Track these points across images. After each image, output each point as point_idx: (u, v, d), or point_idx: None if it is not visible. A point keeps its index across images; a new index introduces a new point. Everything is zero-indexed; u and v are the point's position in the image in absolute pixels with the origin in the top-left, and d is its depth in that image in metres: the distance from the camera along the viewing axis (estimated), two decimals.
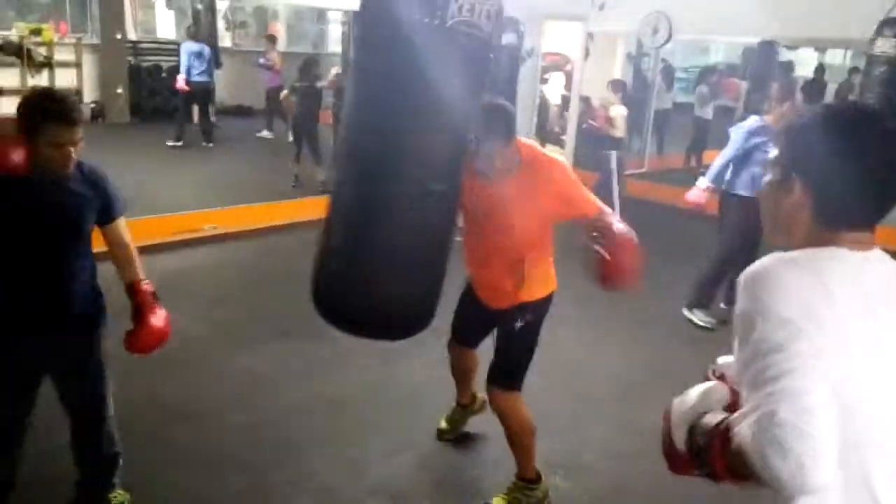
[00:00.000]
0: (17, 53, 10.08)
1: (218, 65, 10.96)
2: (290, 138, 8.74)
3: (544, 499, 2.85)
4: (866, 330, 1.03)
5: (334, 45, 14.63)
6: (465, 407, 3.36)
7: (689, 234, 6.81)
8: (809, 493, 0.98)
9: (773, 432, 0.95)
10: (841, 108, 1.16)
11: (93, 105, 10.93)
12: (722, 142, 4.84)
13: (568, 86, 9.17)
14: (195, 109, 10.11)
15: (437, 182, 1.64)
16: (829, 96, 13.23)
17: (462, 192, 2.03)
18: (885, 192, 1.08)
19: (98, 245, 2.35)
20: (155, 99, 11.60)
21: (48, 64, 10.46)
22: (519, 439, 2.78)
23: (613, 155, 6.91)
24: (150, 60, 11.85)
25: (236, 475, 2.98)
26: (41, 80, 10.26)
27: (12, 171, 2.00)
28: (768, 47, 10.00)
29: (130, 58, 11.40)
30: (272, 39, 11.30)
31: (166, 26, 13.44)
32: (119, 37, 11.03)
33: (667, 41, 8.04)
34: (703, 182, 4.64)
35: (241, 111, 12.40)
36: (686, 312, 4.87)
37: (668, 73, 10.90)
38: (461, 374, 3.22)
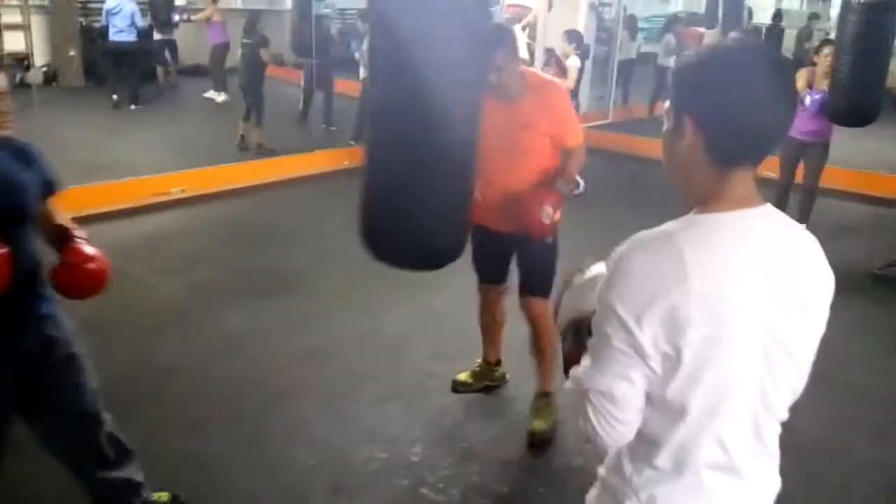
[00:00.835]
0: None
1: (171, 23, 10.67)
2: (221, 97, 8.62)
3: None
4: (725, 300, 1.07)
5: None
6: (490, 365, 3.40)
7: (654, 184, 6.94)
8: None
9: (583, 407, 1.14)
10: (724, 46, 1.17)
11: (44, 68, 10.57)
12: None
13: (532, 37, 9.14)
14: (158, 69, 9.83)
15: (461, 129, 1.72)
16: (790, 43, 13.42)
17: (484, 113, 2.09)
18: (770, 125, 1.10)
19: None
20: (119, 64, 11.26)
21: None
22: (549, 345, 2.95)
23: None
24: (102, 21, 11.46)
25: (231, 429, 3.05)
26: None
27: None
28: None
29: (81, 19, 11.00)
30: None
31: None
32: None
33: None
34: None
35: (198, 71, 12.09)
36: None
37: (632, 22, 10.93)
38: (490, 323, 3.29)
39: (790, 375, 1.16)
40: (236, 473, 2.77)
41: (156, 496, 2.39)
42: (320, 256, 5.02)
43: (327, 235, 5.42)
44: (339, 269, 4.78)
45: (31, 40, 10.59)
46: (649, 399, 1.13)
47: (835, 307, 1.18)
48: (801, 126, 5.08)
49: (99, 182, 5.89)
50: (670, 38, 10.49)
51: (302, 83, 9.01)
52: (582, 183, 2.87)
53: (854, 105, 4.64)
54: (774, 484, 1.25)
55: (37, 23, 10.70)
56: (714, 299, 1.07)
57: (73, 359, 2.09)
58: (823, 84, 5.03)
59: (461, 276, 3.05)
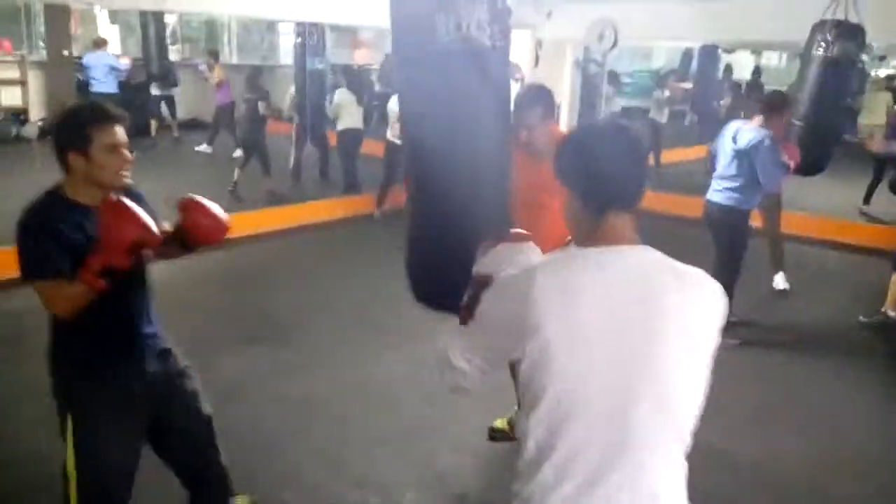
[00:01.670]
0: None
1: (168, 79, 10.92)
2: (237, 153, 8.79)
3: None
4: (567, 318, 1.29)
5: (285, 56, 14.64)
6: None
7: (643, 231, 7.08)
8: None
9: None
10: (590, 125, 1.72)
11: (40, 123, 10.72)
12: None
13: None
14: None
15: (487, 181, 1.78)
16: None
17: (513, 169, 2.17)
18: (625, 181, 1.40)
19: None
20: None
21: None
22: None
23: None
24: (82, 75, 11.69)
25: None
26: None
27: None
28: (710, 51, 10.48)
29: (77, 74, 11.23)
30: (213, 54, 11.05)
31: (111, 42, 13.27)
32: (66, 53, 10.86)
33: (612, 47, 8.31)
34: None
35: (193, 124, 12.30)
36: None
37: (614, 78, 11.26)
38: None
39: (661, 395, 1.30)
40: None
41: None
42: (313, 304, 5.08)
43: (320, 283, 5.50)
44: (331, 316, 4.84)
45: (28, 95, 10.79)
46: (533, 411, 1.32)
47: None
48: None
49: None
50: (660, 93, 10.78)
51: (293, 136, 9.20)
52: None
53: (805, 156, 4.77)
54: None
55: (34, 78, 10.91)
56: (558, 317, 1.28)
57: (187, 368, 2.34)
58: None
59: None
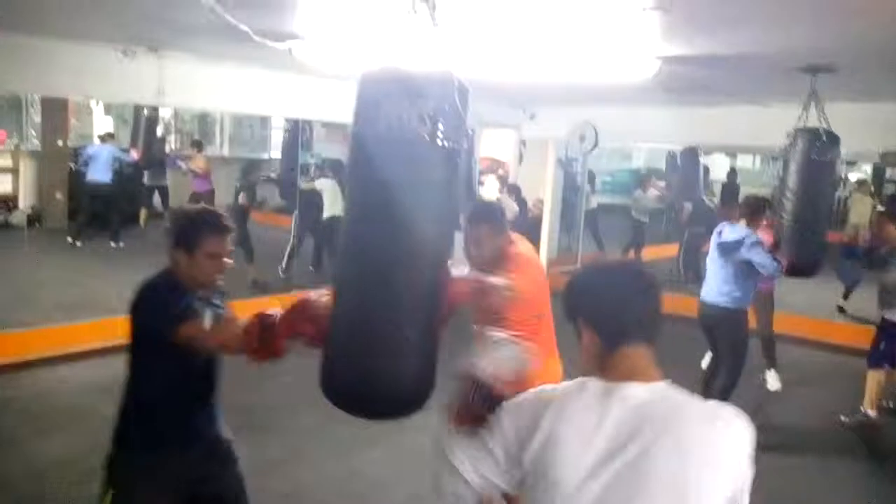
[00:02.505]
0: None
1: (162, 171, 11.14)
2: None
3: None
4: (571, 455, 1.32)
5: (276, 150, 15.01)
6: None
7: None
8: None
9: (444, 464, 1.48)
10: (600, 263, 1.65)
11: (29, 211, 10.82)
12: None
13: (502, 188, 9.69)
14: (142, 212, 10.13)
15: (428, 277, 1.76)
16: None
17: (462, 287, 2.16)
18: (638, 315, 1.43)
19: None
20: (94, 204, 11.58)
21: None
22: None
23: None
24: (80, 163, 11.86)
25: None
26: None
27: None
28: (692, 153, 10.88)
29: (71, 164, 11.42)
30: (197, 145, 11.38)
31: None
32: (61, 143, 11.08)
33: (594, 147, 8.65)
34: None
35: None
36: None
37: (591, 177, 11.64)
38: None
39: None
40: None
41: None
42: (297, 393, 5.00)
43: (305, 372, 5.43)
44: (316, 405, 4.76)
45: (19, 183, 10.92)
46: None
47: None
48: None
49: (78, 321, 5.91)
50: (639, 193, 11.10)
51: (292, 229, 9.32)
52: None
53: (798, 257, 4.89)
54: None
55: (27, 167, 11.08)
56: (552, 444, 1.34)
57: (234, 452, 2.46)
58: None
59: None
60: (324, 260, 8.98)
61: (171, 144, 14.20)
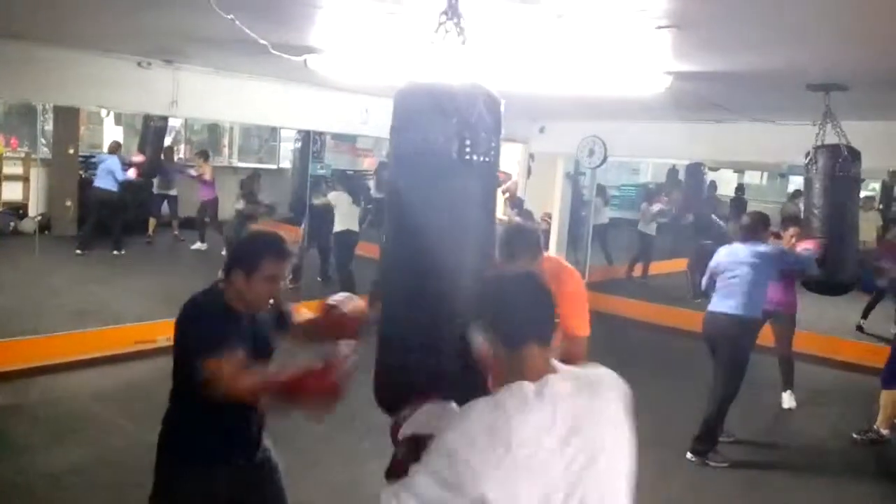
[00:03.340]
0: None
1: (169, 180, 11.21)
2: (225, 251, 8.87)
3: None
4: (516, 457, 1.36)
5: (285, 160, 15.09)
6: None
7: (623, 339, 7.15)
8: None
9: None
10: (501, 273, 1.73)
11: (38, 218, 10.87)
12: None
13: (509, 203, 9.71)
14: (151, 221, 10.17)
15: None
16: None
17: None
18: (534, 319, 1.54)
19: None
20: (101, 212, 11.64)
21: None
22: None
23: None
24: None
25: None
26: None
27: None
28: (696, 168, 10.91)
29: (81, 171, 11.48)
30: (203, 154, 11.40)
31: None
32: (72, 151, 11.15)
33: (602, 162, 8.67)
34: None
35: (188, 223, 12.47)
36: (693, 458, 4.63)
37: (602, 191, 11.64)
38: None
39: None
40: None
41: None
42: None
43: None
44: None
45: (29, 191, 10.99)
46: None
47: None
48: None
49: (86, 329, 5.94)
50: (646, 207, 11.12)
51: (299, 240, 9.36)
52: None
53: (830, 276, 4.86)
54: None
55: (37, 174, 11.15)
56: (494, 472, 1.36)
57: (274, 459, 2.49)
58: None
59: None
60: (331, 272, 8.99)
61: (181, 153, 14.28)
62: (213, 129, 15.62)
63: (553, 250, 9.80)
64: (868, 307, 8.47)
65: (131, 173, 10.08)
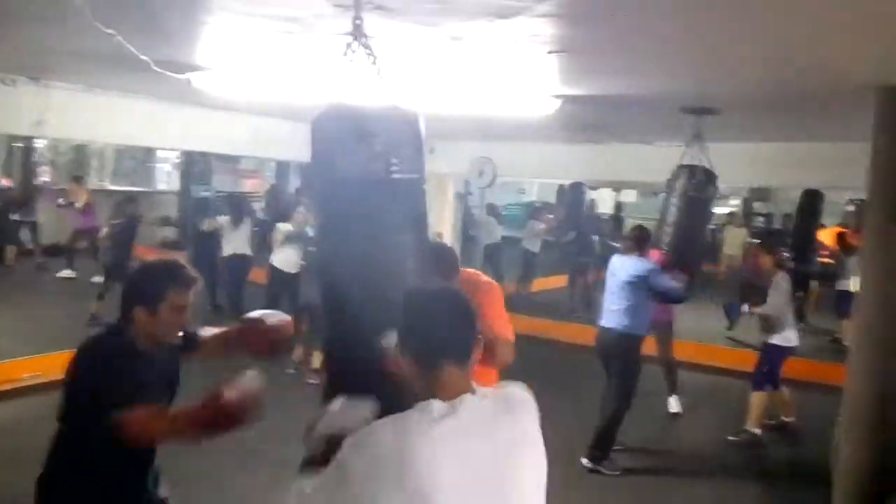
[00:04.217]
0: None
1: (31, 207, 10.42)
2: (97, 278, 8.32)
3: None
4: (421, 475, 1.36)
5: (161, 182, 14.42)
6: None
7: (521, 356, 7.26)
8: None
9: None
10: (419, 290, 1.61)
11: None
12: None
13: None
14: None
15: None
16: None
17: None
18: (451, 338, 1.50)
19: None
20: None
21: None
22: None
23: None
24: None
25: None
26: None
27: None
28: (578, 187, 11.34)
29: None
30: (78, 180, 10.66)
31: None
32: None
33: (492, 182, 8.85)
34: None
35: (56, 251, 11.59)
36: (589, 464, 4.78)
37: (494, 210, 11.87)
38: None
39: None
40: None
41: None
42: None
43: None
44: (209, 455, 4.53)
45: None
46: None
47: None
48: None
49: None
50: (532, 224, 11.42)
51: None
52: None
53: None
54: None
55: None
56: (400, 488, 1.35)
57: None
58: None
59: None
60: (219, 300, 8.56)
61: (45, 177, 13.30)
62: (82, 150, 14.67)
63: None
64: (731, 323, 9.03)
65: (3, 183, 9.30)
